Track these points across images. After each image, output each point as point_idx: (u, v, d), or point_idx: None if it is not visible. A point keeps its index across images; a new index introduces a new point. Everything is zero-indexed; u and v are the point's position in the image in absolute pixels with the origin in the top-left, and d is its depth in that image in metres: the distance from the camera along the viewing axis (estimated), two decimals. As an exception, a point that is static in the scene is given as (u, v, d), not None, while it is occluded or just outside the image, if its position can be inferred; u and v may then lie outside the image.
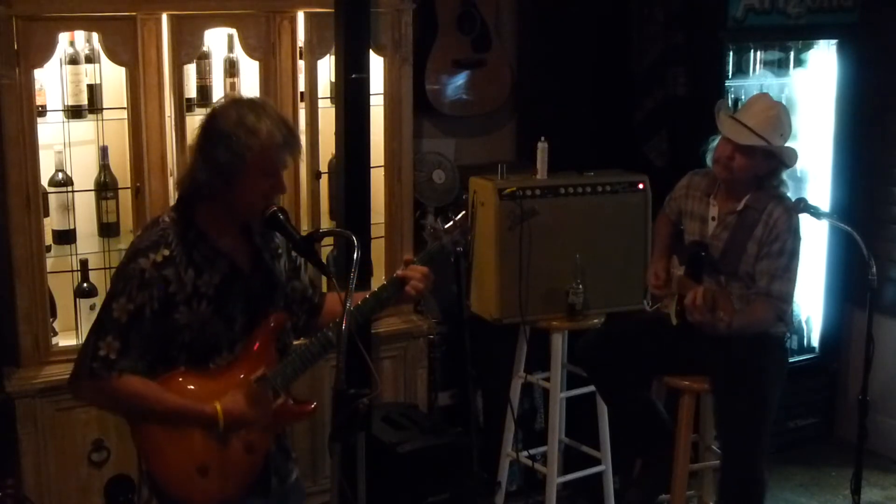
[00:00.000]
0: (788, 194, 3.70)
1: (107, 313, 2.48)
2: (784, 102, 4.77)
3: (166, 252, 2.48)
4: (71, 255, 3.71)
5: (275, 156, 2.48)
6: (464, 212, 2.91)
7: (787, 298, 3.59)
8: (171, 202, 3.59)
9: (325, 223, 4.05)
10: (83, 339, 3.49)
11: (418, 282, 2.70)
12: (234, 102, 2.54)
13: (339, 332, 2.40)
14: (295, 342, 2.74)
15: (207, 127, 2.50)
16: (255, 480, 2.61)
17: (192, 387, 2.53)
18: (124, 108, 3.64)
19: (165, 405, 2.50)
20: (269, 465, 2.65)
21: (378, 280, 4.11)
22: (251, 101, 2.55)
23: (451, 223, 2.83)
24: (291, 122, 2.61)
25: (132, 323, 2.46)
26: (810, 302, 5.04)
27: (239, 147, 2.44)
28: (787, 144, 3.64)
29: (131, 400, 2.50)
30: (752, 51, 4.71)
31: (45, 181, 3.61)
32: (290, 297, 2.74)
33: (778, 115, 3.62)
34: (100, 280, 3.74)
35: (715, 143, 3.67)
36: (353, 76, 3.76)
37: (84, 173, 3.72)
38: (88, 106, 3.66)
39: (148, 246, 2.49)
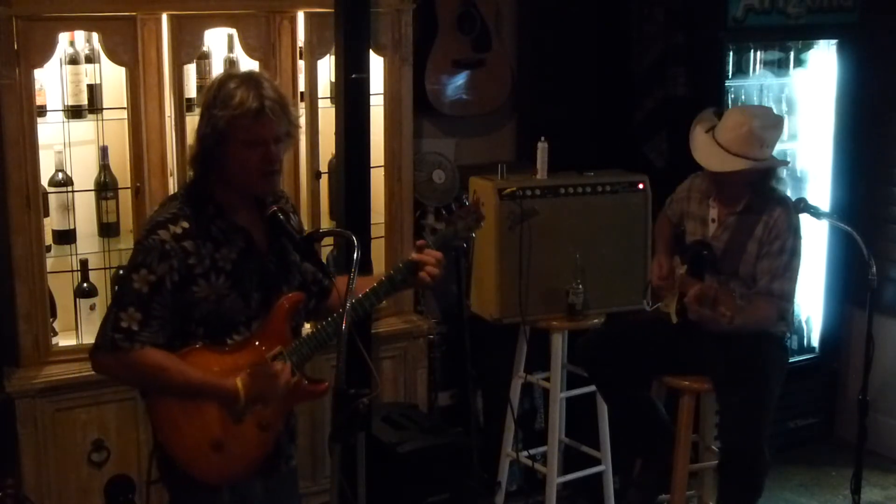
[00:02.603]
0: (787, 193, 3.70)
1: (127, 285, 2.48)
2: (784, 103, 4.80)
3: (185, 224, 2.49)
4: (71, 255, 3.71)
5: (249, 124, 2.45)
6: (476, 198, 2.87)
7: (788, 297, 3.60)
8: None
9: (325, 223, 4.05)
10: (85, 338, 3.54)
11: (433, 267, 2.67)
12: (225, 75, 2.56)
13: (340, 332, 2.40)
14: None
15: (202, 102, 2.54)
16: (265, 460, 2.63)
17: (208, 361, 2.54)
18: (124, 108, 3.63)
19: (187, 379, 2.50)
20: (280, 444, 2.67)
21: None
22: (242, 73, 2.56)
23: (464, 208, 2.79)
24: (282, 94, 2.53)
25: (153, 294, 2.46)
26: (810, 302, 5.04)
27: (213, 116, 2.45)
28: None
29: (152, 372, 2.50)
30: (752, 51, 4.71)
31: (45, 181, 3.61)
32: (304, 277, 2.74)
33: (751, 129, 3.53)
34: (100, 280, 3.74)
35: None
36: (353, 76, 3.76)
37: (84, 173, 3.72)
38: (88, 106, 3.66)
39: (167, 218, 2.51)
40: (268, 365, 2.54)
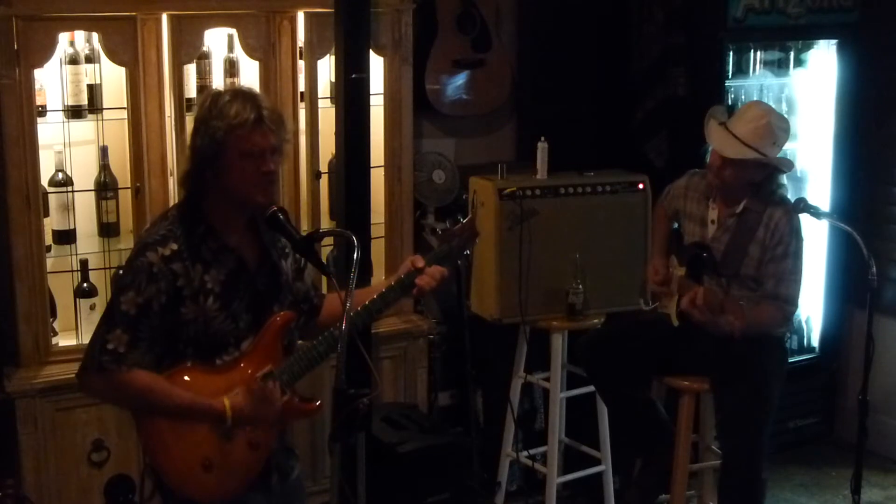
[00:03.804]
0: (788, 195, 3.70)
1: (115, 307, 2.48)
2: (784, 103, 4.80)
3: (174, 246, 2.49)
4: (71, 255, 3.71)
5: (246, 135, 2.45)
6: (471, 216, 2.88)
7: (793, 300, 3.60)
8: (171, 202, 3.61)
9: (325, 223, 4.05)
10: (85, 338, 3.53)
11: (431, 278, 2.70)
12: (215, 92, 2.57)
13: (340, 332, 2.40)
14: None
15: (195, 118, 2.54)
16: (257, 477, 2.62)
17: (198, 382, 2.53)
18: (124, 108, 3.64)
19: (174, 400, 2.50)
20: (271, 461, 2.66)
21: (378, 280, 4.12)
22: (235, 89, 2.56)
23: (459, 226, 2.80)
24: (277, 108, 2.58)
25: (141, 316, 2.46)
26: (810, 302, 5.03)
27: (209, 129, 2.45)
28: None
29: (140, 394, 2.49)
30: (752, 51, 4.71)
31: (45, 181, 3.61)
32: (295, 296, 2.74)
33: (769, 123, 3.56)
34: (100, 280, 3.75)
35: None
36: (353, 76, 3.76)
37: (84, 173, 3.73)
38: (88, 106, 3.66)
39: (157, 240, 2.50)
40: (261, 387, 2.53)
